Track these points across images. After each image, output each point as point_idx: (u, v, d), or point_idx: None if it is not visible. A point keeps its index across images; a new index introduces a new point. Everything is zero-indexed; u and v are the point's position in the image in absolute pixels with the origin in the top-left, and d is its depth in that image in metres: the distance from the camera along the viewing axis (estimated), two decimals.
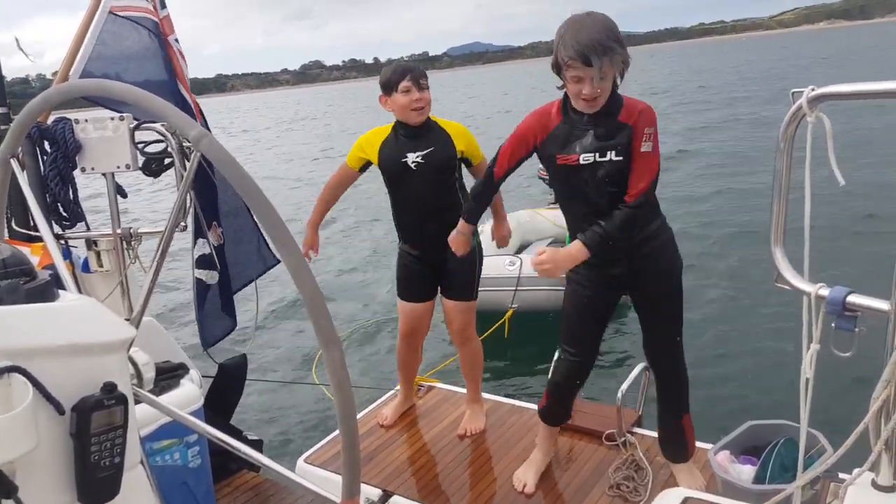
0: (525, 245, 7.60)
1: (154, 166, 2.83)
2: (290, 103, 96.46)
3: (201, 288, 3.22)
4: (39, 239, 2.47)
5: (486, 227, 4.24)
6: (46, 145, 2.69)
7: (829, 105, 1.43)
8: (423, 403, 3.56)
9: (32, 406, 0.76)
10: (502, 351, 6.11)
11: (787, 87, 1.63)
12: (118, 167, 2.66)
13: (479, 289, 3.13)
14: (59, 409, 0.81)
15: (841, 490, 1.46)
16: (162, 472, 2.28)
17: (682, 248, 2.55)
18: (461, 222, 2.71)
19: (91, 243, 2.87)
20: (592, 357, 2.66)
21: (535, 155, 2.46)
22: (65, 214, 2.79)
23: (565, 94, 2.34)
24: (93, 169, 2.68)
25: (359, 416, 3.35)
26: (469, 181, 2.93)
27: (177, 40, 3.22)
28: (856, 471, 1.43)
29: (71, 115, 2.73)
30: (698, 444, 2.80)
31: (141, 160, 2.75)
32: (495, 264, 6.17)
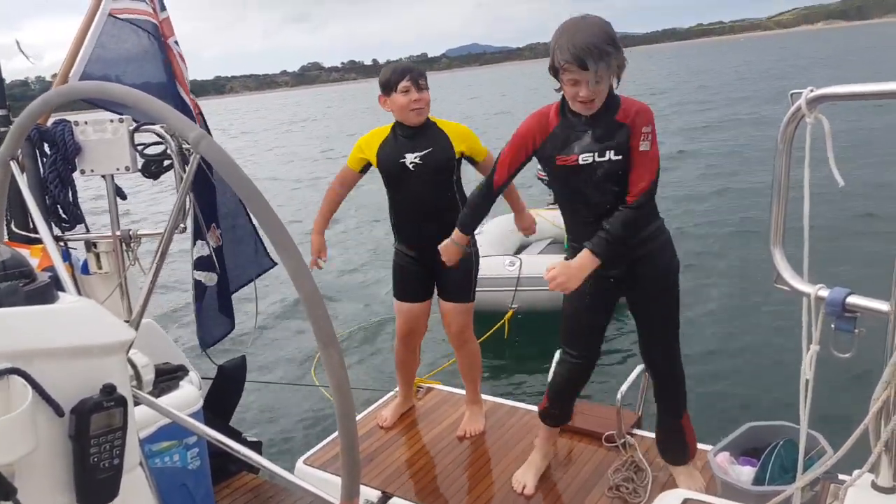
0: (524, 245, 7.60)
1: (153, 168, 2.83)
2: (289, 105, 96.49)
3: (200, 289, 3.22)
4: (39, 241, 2.47)
5: (483, 228, 4.24)
6: (46, 147, 2.69)
7: (828, 105, 1.43)
8: (423, 405, 3.55)
9: (32, 408, 0.76)
10: (502, 351, 6.11)
11: (785, 87, 1.63)
12: (117, 169, 2.66)
13: (479, 289, 3.13)
14: (59, 410, 0.81)
15: (841, 491, 1.45)
16: (161, 474, 2.28)
17: (682, 248, 2.56)
18: (456, 232, 2.64)
19: (90, 245, 2.87)
20: (594, 358, 2.66)
21: (534, 157, 2.46)
22: (64, 216, 2.79)
23: (563, 96, 2.34)
24: (92, 171, 2.68)
25: (358, 417, 3.36)
26: (469, 182, 2.92)
27: (176, 42, 3.21)
28: (855, 472, 1.42)
29: (70, 117, 2.73)
30: (698, 445, 2.79)
31: (140, 162, 2.76)
32: (495, 264, 6.17)
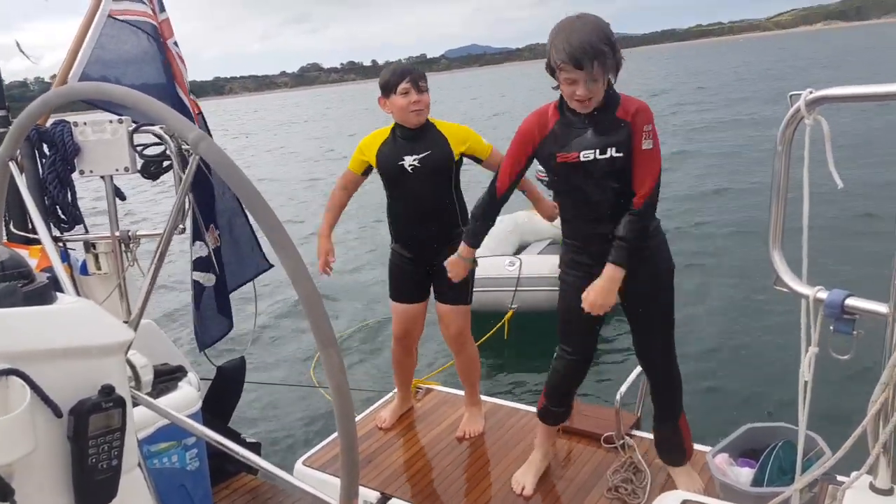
0: (524, 246, 7.60)
1: (153, 169, 2.83)
2: (288, 105, 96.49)
3: (198, 290, 3.22)
4: (38, 241, 2.46)
5: None
6: (45, 148, 2.69)
7: (828, 105, 1.43)
8: (422, 406, 3.55)
9: (30, 409, 0.76)
10: (502, 352, 6.10)
11: (785, 88, 1.63)
12: (116, 170, 2.66)
13: (479, 290, 3.12)
14: (57, 411, 0.81)
15: (839, 493, 1.46)
16: (160, 475, 2.28)
17: (681, 248, 2.56)
18: (463, 246, 2.64)
19: (89, 246, 2.87)
20: (589, 355, 2.66)
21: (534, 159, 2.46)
22: (63, 217, 2.79)
23: (561, 94, 2.34)
24: (91, 172, 2.68)
25: (357, 418, 3.35)
26: (469, 182, 2.91)
27: (176, 44, 3.21)
28: (854, 474, 1.43)
29: (70, 118, 2.73)
30: (697, 446, 2.80)
31: (140, 163, 2.76)
32: (495, 265, 6.17)
